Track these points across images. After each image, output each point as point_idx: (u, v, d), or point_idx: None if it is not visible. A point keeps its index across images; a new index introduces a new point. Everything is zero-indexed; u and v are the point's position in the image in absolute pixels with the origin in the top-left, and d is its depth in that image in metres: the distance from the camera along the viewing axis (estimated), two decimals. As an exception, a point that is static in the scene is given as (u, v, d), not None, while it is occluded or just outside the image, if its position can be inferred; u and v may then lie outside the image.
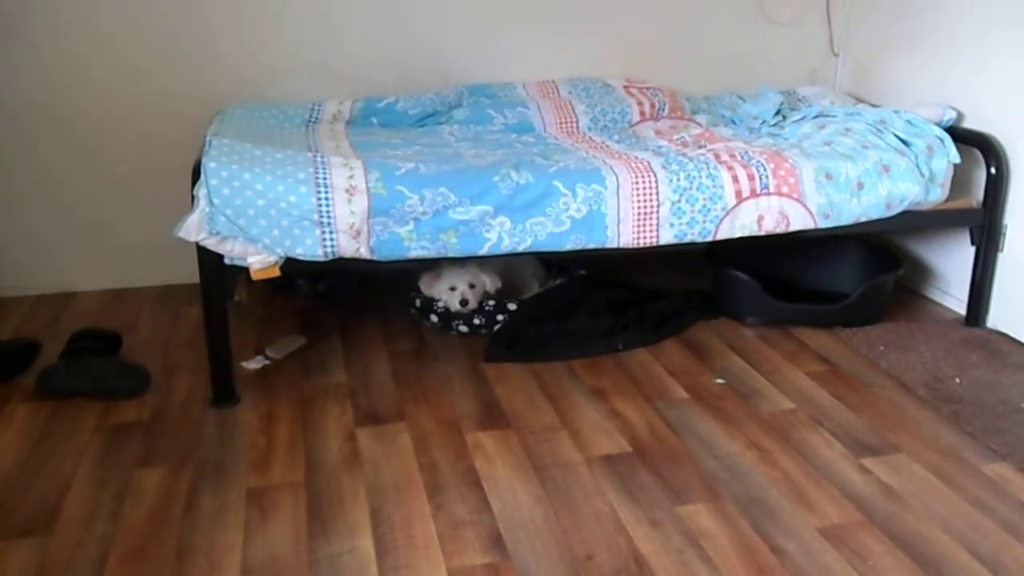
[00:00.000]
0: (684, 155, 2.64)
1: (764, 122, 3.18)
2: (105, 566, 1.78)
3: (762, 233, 2.60)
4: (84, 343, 2.62)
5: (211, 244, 2.27)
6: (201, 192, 2.24)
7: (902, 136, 2.78)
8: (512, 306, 2.84)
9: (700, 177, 2.52)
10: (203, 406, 2.43)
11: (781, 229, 2.60)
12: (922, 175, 2.68)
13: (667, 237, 2.53)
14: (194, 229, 2.23)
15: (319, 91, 3.23)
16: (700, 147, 2.76)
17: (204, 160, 2.28)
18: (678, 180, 2.50)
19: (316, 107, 3.12)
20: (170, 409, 2.41)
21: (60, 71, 3.05)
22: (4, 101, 3.03)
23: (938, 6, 3.08)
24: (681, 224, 2.52)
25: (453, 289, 2.83)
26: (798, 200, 2.58)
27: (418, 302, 2.93)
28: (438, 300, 2.87)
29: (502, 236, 2.43)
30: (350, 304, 3.15)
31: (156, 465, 2.14)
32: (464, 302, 2.81)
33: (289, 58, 3.22)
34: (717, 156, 2.63)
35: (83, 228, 3.22)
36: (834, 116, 3.03)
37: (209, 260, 2.31)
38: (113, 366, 2.52)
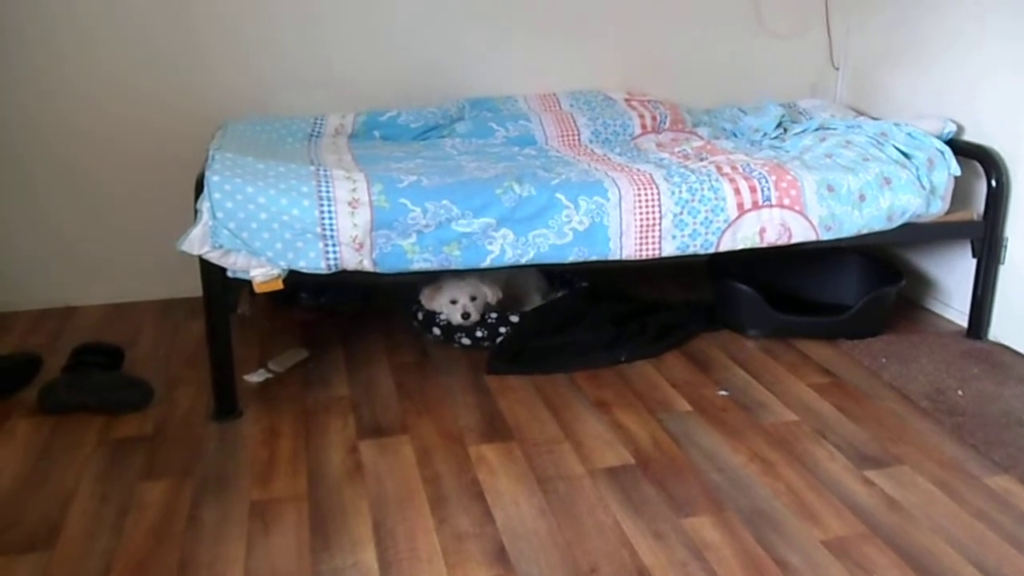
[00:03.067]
0: (686, 167, 2.65)
1: (765, 135, 3.18)
2: (107, 580, 1.78)
3: (764, 245, 2.60)
4: (86, 357, 2.62)
5: (214, 257, 2.27)
6: (204, 205, 2.25)
7: (903, 149, 2.79)
8: (514, 318, 2.84)
9: (702, 189, 2.53)
10: (205, 419, 2.42)
11: (783, 241, 2.61)
12: (923, 187, 2.69)
13: (669, 249, 2.54)
14: (197, 242, 2.24)
15: (321, 106, 3.24)
16: (702, 159, 2.77)
17: (207, 174, 2.28)
18: (680, 192, 2.51)
19: (318, 121, 3.13)
20: (172, 422, 2.41)
21: (56, 93, 3.05)
22: (3, 119, 3.04)
23: (938, 20, 3.10)
24: (683, 236, 2.53)
25: (454, 302, 2.82)
26: (800, 212, 2.58)
27: (420, 316, 2.92)
28: (440, 313, 2.87)
29: (505, 248, 2.43)
30: (352, 317, 3.16)
31: (158, 479, 2.14)
32: (466, 315, 2.80)
33: (290, 74, 3.23)
34: (719, 168, 2.63)
35: (85, 243, 3.22)
36: (835, 129, 3.03)
37: (212, 273, 2.32)
38: (115, 380, 2.52)
